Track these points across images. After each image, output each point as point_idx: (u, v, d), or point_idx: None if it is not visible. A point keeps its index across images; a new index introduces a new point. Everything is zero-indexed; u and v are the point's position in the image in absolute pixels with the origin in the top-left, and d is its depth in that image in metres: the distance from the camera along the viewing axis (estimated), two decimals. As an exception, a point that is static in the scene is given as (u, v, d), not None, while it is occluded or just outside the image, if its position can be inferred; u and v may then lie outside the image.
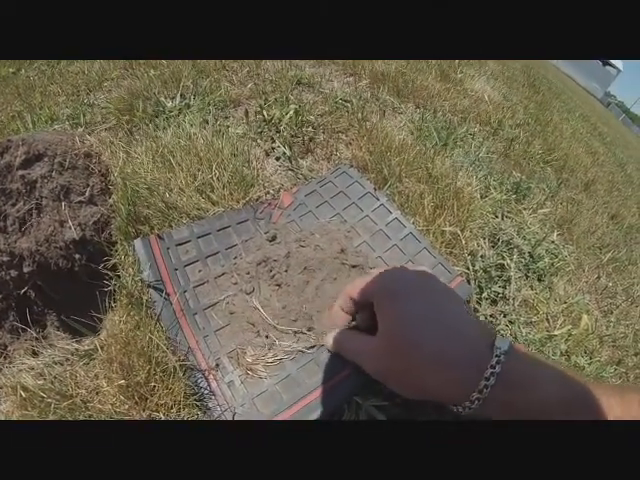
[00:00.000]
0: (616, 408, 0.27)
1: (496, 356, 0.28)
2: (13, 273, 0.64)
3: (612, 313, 0.83)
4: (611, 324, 0.78)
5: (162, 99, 0.86)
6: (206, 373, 0.41)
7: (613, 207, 1.39)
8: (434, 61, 1.26)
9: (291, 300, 0.47)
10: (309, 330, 0.45)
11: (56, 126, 0.89)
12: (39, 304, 0.66)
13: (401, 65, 1.07)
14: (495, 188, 0.83)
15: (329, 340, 0.43)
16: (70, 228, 0.65)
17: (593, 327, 0.71)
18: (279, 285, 0.49)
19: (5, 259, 0.63)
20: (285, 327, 0.45)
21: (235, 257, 0.52)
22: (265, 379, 0.41)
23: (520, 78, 2.27)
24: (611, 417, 0.26)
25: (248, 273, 0.50)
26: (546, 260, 0.80)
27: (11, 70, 1.48)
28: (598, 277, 0.92)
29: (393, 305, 0.33)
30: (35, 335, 0.62)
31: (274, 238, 0.54)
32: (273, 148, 0.68)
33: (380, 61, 1.05)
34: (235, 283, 0.49)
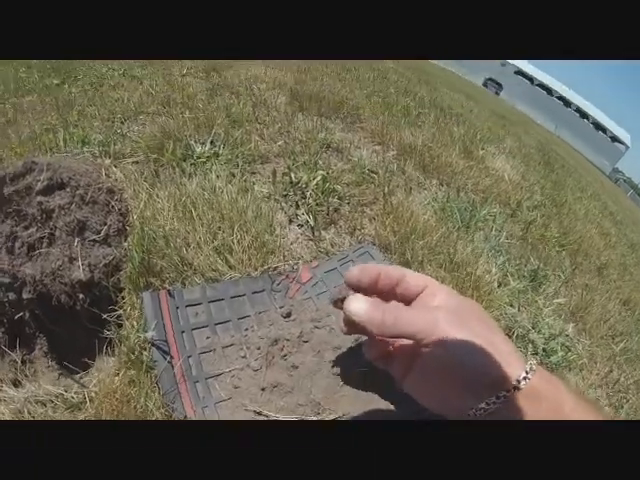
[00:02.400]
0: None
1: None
2: (12, 296, 0.62)
3: (622, 407, 0.80)
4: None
5: (192, 142, 0.87)
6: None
7: (625, 292, 1.38)
8: (458, 136, 1.29)
9: (301, 384, 0.44)
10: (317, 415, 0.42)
11: (85, 149, 0.89)
12: (33, 332, 0.63)
13: (427, 139, 1.10)
14: (512, 275, 0.82)
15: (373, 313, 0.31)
16: (79, 267, 0.63)
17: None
18: (289, 366, 0.46)
19: (6, 280, 0.61)
20: (289, 415, 0.41)
21: (247, 329, 0.50)
22: None
23: (536, 156, 2.34)
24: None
25: (259, 348, 0.47)
26: (559, 354, 0.79)
27: (55, 82, 1.52)
28: (610, 370, 0.89)
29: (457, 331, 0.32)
30: (20, 361, 0.58)
31: (289, 315, 0.51)
32: (297, 215, 0.68)
33: (408, 133, 1.08)
34: (244, 356, 0.47)
